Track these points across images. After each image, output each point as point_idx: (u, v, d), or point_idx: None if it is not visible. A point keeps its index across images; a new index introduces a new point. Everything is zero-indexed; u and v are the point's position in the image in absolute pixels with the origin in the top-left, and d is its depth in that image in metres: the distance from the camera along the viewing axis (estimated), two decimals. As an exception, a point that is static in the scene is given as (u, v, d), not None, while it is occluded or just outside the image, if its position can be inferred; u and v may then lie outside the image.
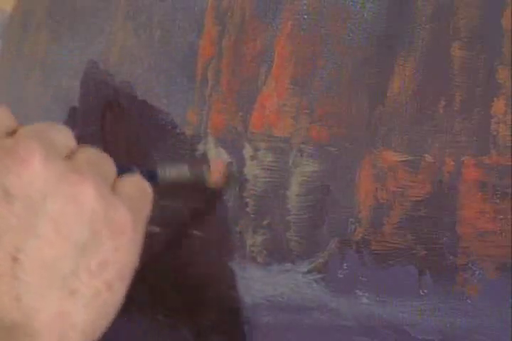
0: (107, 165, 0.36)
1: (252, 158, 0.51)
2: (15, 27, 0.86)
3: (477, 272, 0.42)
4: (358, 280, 0.46)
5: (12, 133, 0.35)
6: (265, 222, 0.50)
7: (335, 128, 0.48)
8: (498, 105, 0.42)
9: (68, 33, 0.76)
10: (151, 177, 0.43)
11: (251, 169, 0.51)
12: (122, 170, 0.40)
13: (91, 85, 0.70)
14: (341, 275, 0.47)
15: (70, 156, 0.35)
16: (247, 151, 0.51)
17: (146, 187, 0.37)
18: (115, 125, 0.60)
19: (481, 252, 0.42)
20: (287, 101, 0.51)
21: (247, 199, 0.51)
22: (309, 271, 0.49)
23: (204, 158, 0.51)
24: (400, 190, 0.45)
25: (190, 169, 0.48)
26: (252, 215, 0.51)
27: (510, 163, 0.41)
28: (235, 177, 0.49)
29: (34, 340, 0.32)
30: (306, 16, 0.51)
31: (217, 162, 0.49)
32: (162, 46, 0.62)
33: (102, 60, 0.68)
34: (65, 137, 0.36)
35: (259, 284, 0.51)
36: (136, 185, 0.37)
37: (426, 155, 0.44)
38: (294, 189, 0.49)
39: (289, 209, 0.49)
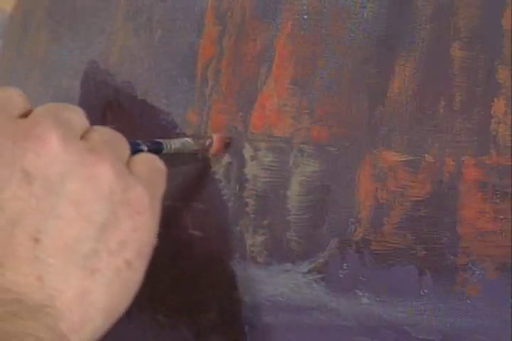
0: (121, 144, 0.37)
1: (252, 158, 0.51)
2: (15, 27, 0.86)
3: (477, 272, 0.42)
4: (358, 280, 0.46)
5: (26, 114, 0.35)
6: (265, 222, 0.50)
7: (335, 128, 0.48)
8: (498, 105, 0.42)
9: (68, 33, 0.76)
10: (156, 148, 0.45)
11: (251, 169, 0.51)
12: (129, 145, 0.41)
13: (91, 85, 0.70)
14: (341, 275, 0.47)
15: (84, 136, 0.35)
16: (247, 151, 0.51)
17: (159, 165, 0.38)
18: (115, 125, 0.60)
19: (481, 252, 0.42)
20: (287, 101, 0.51)
21: (247, 199, 0.51)
22: (309, 271, 0.49)
23: (206, 134, 0.52)
24: (400, 190, 0.45)
25: (194, 141, 0.50)
26: (252, 215, 0.51)
27: (510, 163, 0.41)
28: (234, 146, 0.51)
29: (57, 320, 0.32)
30: (306, 16, 0.51)
31: (219, 136, 0.51)
32: (162, 46, 0.62)
33: (102, 60, 0.68)
34: (78, 117, 0.36)
35: (259, 284, 0.51)
36: (150, 163, 0.37)
37: (426, 155, 0.44)
38: (294, 189, 0.49)
39: (289, 209, 0.49)
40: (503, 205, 0.41)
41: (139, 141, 0.44)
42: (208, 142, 0.51)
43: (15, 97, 0.36)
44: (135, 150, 0.42)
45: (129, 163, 0.37)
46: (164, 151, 0.46)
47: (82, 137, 0.35)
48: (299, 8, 0.51)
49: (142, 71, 0.63)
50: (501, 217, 0.41)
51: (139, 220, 0.35)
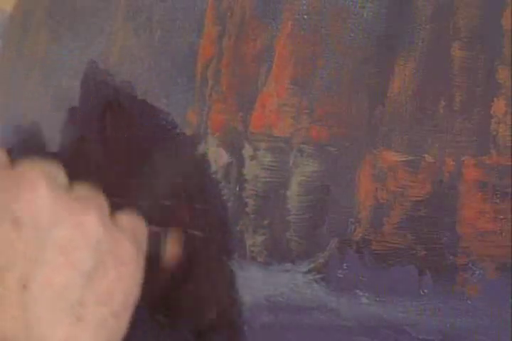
0: (102, 199, 0.37)
1: (252, 158, 0.51)
2: (15, 27, 0.86)
3: (477, 272, 0.42)
4: (358, 280, 0.46)
5: (9, 166, 0.36)
6: (265, 222, 0.50)
7: (335, 128, 0.48)
8: (498, 105, 0.42)
9: (68, 33, 0.76)
10: None
11: (251, 169, 0.51)
12: None
13: (91, 85, 0.70)
14: (341, 275, 0.47)
15: (68, 189, 0.36)
16: (247, 151, 0.51)
17: (142, 223, 0.38)
18: (115, 125, 0.60)
19: (481, 252, 0.42)
20: (287, 101, 0.51)
21: (247, 199, 0.51)
22: (309, 271, 0.49)
23: None
24: (400, 190, 0.45)
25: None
26: (252, 215, 0.51)
27: (510, 163, 0.41)
28: None
29: None
30: (306, 16, 0.51)
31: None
32: (162, 46, 0.62)
33: (102, 60, 0.68)
34: (60, 172, 0.37)
35: (259, 284, 0.51)
36: (133, 219, 0.38)
37: (426, 155, 0.44)
38: (294, 189, 0.49)
39: (289, 209, 0.49)
40: (503, 205, 0.41)
41: None
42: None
43: None
44: None
45: (113, 217, 0.37)
46: None
47: (67, 189, 0.36)
48: (299, 8, 0.51)
49: (142, 71, 0.63)
50: (501, 217, 0.41)
51: (125, 271, 0.35)
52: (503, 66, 0.41)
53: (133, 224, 0.37)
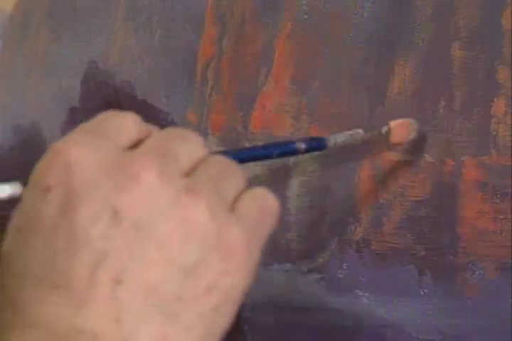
0: (231, 179, 0.34)
1: (252, 158, 0.51)
2: (15, 27, 0.86)
3: (477, 272, 0.42)
4: (358, 280, 0.46)
5: (139, 142, 0.34)
6: (265, 222, 0.50)
7: (335, 128, 0.48)
8: (498, 105, 0.42)
9: (68, 33, 0.76)
10: (316, 145, 0.41)
11: (251, 169, 0.51)
12: (281, 145, 0.39)
13: (91, 85, 0.70)
14: (341, 275, 0.47)
15: (191, 172, 0.33)
16: (247, 151, 0.51)
17: (272, 205, 0.35)
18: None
19: (481, 252, 0.42)
20: (287, 101, 0.51)
21: (247, 199, 0.51)
22: (309, 271, 0.49)
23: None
24: (400, 190, 0.45)
25: (365, 131, 0.44)
26: (252, 215, 0.51)
27: (510, 163, 0.41)
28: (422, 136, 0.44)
29: None
30: (306, 16, 0.51)
31: (401, 122, 0.44)
32: (162, 46, 0.62)
33: (102, 60, 0.68)
34: (193, 148, 0.34)
35: (259, 284, 0.50)
36: (261, 201, 0.35)
37: (426, 155, 0.44)
38: (294, 189, 0.49)
39: (289, 209, 0.49)
40: (503, 205, 0.41)
41: (294, 140, 0.40)
42: (384, 130, 0.44)
43: (129, 124, 0.35)
44: (290, 150, 0.39)
45: (238, 200, 0.34)
46: (328, 148, 0.42)
47: (189, 173, 0.34)
48: (299, 8, 0.51)
49: (142, 71, 0.63)
50: (501, 217, 0.41)
51: (231, 264, 0.33)
52: (503, 66, 0.41)
53: (257, 208, 0.34)
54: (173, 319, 0.32)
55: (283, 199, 0.49)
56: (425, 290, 0.44)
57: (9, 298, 0.32)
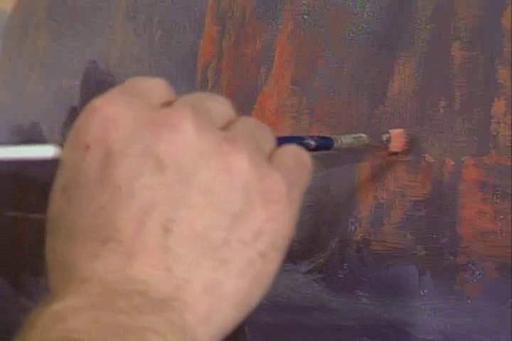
0: (265, 135, 0.35)
1: (252, 158, 0.51)
2: (15, 27, 0.86)
3: (477, 272, 0.42)
4: (358, 280, 0.46)
5: (169, 103, 0.35)
6: (265, 222, 0.50)
7: (335, 128, 0.48)
8: (498, 105, 0.42)
9: (68, 33, 0.76)
10: (325, 143, 0.42)
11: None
12: (294, 139, 0.39)
13: (91, 85, 0.70)
14: (341, 275, 0.47)
15: (226, 127, 0.34)
16: (247, 151, 0.51)
17: (306, 159, 0.36)
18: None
19: (481, 252, 0.42)
20: (287, 101, 0.51)
21: (247, 199, 0.51)
22: (309, 271, 0.49)
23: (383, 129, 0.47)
24: (400, 190, 0.45)
25: (368, 136, 0.45)
26: (252, 215, 0.51)
27: (510, 163, 0.41)
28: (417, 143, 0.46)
29: (183, 312, 0.31)
30: (306, 16, 0.51)
31: (398, 132, 0.45)
32: (162, 46, 0.62)
33: (102, 60, 0.68)
34: (221, 107, 0.35)
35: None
36: (296, 155, 0.36)
37: (426, 155, 0.44)
38: (294, 189, 0.49)
39: (289, 209, 0.49)
40: (503, 205, 0.41)
41: (304, 136, 0.41)
42: (384, 137, 0.45)
43: (158, 86, 0.36)
44: (300, 145, 0.40)
45: (273, 155, 0.35)
46: (334, 147, 0.43)
47: (225, 128, 0.35)
48: (299, 8, 0.51)
49: (142, 71, 0.63)
50: (501, 217, 0.41)
51: (274, 210, 0.33)
52: (503, 66, 0.41)
53: (292, 159, 0.35)
54: (223, 265, 0.32)
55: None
56: (425, 290, 0.44)
57: (60, 257, 0.32)
